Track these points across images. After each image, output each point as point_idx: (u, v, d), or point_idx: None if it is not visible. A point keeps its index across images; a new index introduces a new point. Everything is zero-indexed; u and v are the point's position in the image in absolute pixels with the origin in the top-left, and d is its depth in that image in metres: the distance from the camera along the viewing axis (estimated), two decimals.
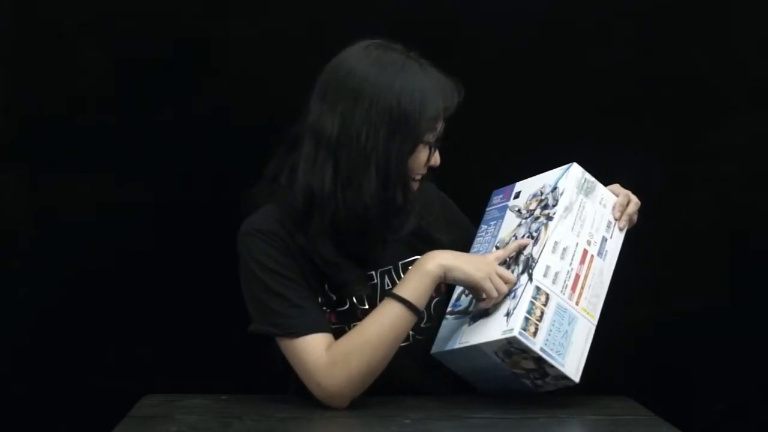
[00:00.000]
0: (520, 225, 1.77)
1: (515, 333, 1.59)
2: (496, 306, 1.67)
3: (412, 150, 1.67)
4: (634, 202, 1.82)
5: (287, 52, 2.28)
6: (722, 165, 2.37)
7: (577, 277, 1.70)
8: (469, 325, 1.69)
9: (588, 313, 1.70)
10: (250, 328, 1.70)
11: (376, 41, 1.71)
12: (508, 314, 1.64)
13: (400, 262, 1.78)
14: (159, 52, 2.30)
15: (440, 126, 1.70)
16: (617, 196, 1.82)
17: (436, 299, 1.78)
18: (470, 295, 1.71)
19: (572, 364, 1.64)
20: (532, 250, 1.70)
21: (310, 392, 1.67)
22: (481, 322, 1.67)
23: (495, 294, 1.66)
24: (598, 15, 2.32)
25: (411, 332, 1.74)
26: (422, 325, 1.76)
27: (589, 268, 1.73)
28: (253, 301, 1.69)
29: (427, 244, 1.76)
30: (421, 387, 1.77)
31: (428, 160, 1.70)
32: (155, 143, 2.31)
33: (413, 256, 1.78)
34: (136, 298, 2.34)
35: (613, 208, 1.81)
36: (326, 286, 1.72)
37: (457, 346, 1.67)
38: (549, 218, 1.73)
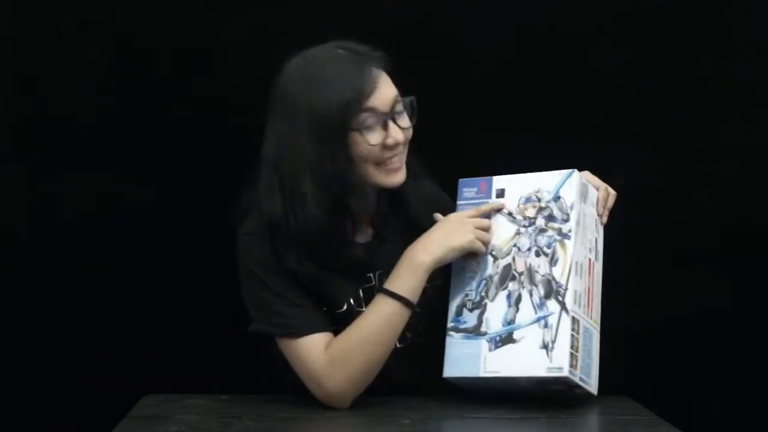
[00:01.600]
0: (519, 233, 1.68)
1: (565, 373, 1.58)
2: (521, 330, 1.62)
3: (341, 144, 1.62)
4: (613, 194, 1.78)
5: (287, 52, 2.27)
6: (722, 165, 2.37)
7: (588, 290, 1.67)
8: (491, 350, 1.63)
9: (596, 322, 1.69)
10: (250, 328, 1.70)
11: (329, 45, 1.68)
12: (546, 347, 1.60)
13: None
14: (159, 52, 2.30)
15: (377, 105, 1.63)
16: (596, 188, 1.76)
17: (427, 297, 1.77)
18: (475, 311, 1.66)
19: (595, 379, 1.66)
20: (551, 270, 1.63)
21: (308, 391, 1.67)
22: (509, 349, 1.62)
23: (484, 249, 1.67)
24: (598, 15, 2.32)
25: (408, 333, 1.75)
26: (420, 328, 1.76)
27: (593, 276, 1.70)
28: (252, 301, 1.69)
29: None
30: (418, 389, 1.77)
31: (385, 139, 1.65)
32: (155, 143, 2.31)
33: None
34: (136, 298, 2.34)
35: (596, 203, 1.75)
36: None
37: (483, 375, 1.63)
38: (564, 236, 1.64)
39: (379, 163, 1.67)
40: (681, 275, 2.40)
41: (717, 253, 2.39)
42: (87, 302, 2.34)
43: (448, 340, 1.68)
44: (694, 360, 2.39)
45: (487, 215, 1.70)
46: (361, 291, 1.73)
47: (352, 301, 1.73)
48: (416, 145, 1.74)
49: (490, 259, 1.69)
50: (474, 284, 1.69)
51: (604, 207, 1.76)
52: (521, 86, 2.33)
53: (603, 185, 1.77)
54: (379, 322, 1.64)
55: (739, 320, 2.39)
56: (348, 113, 1.62)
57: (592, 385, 1.65)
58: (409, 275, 1.65)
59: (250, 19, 2.30)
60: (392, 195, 1.75)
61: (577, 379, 1.60)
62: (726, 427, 2.41)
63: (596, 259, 1.71)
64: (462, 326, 1.68)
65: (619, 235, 2.32)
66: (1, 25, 2.30)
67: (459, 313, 1.69)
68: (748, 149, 2.37)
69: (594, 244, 1.71)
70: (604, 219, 1.76)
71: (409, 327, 1.73)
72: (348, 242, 1.71)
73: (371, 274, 1.75)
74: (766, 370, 2.40)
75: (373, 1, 2.27)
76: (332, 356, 1.64)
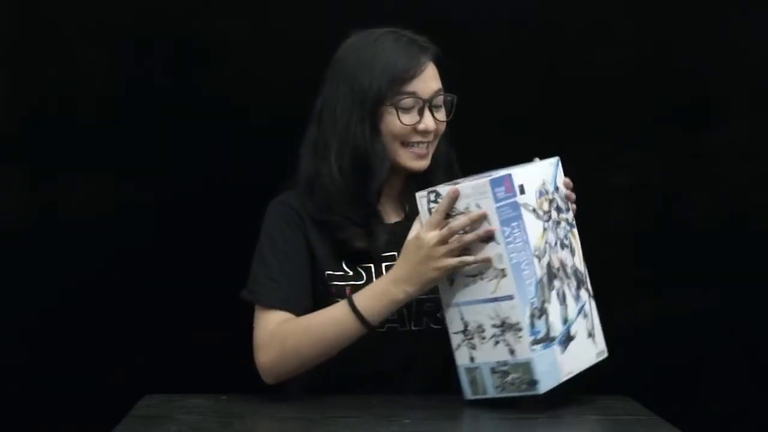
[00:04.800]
0: (545, 229, 1.62)
1: (606, 353, 1.69)
2: (574, 325, 1.63)
3: (372, 115, 1.71)
4: None
5: (287, 52, 2.28)
6: (722, 165, 2.37)
7: None
8: (562, 353, 1.61)
9: None
10: (241, 294, 1.75)
11: (390, 29, 1.78)
12: (591, 335, 1.66)
13: None
14: (159, 52, 2.30)
15: (418, 90, 1.72)
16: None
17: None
18: (542, 317, 1.59)
19: None
20: (574, 261, 1.66)
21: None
22: (572, 347, 1.63)
23: (469, 262, 1.59)
24: (599, 14, 2.32)
25: (425, 319, 1.75)
26: (438, 315, 1.73)
27: None
28: (253, 264, 1.75)
29: None
30: (430, 375, 1.77)
31: (417, 124, 1.73)
32: (155, 143, 2.31)
33: None
34: (136, 298, 2.34)
35: None
36: (344, 263, 1.74)
37: (564, 378, 1.61)
38: (572, 225, 1.68)
39: (407, 145, 1.74)
40: (681, 275, 2.40)
41: (717, 252, 2.39)
42: (87, 302, 2.34)
43: (533, 354, 1.58)
44: (694, 360, 2.39)
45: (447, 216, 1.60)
46: (384, 269, 1.74)
47: (373, 274, 1.74)
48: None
49: (536, 260, 1.60)
50: (533, 290, 1.60)
51: None
52: (521, 85, 2.33)
53: None
54: (330, 326, 1.67)
55: (739, 320, 2.39)
56: (387, 89, 1.71)
57: None
58: (380, 301, 1.65)
59: (250, 19, 2.30)
60: (421, 183, 1.76)
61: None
62: (726, 427, 2.41)
63: None
64: (539, 337, 1.60)
65: (620, 235, 2.33)
66: (1, 25, 2.30)
67: (532, 324, 1.58)
68: (748, 149, 2.37)
69: None
70: None
71: (428, 313, 1.75)
72: (370, 207, 1.75)
73: (395, 253, 1.74)
74: (766, 370, 2.40)
75: (374, 1, 2.27)
76: (274, 333, 1.69)
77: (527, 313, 1.58)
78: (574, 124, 2.34)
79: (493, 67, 2.31)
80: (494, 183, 1.58)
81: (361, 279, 1.74)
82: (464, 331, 1.63)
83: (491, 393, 1.63)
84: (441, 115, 1.77)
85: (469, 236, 1.58)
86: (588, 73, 2.33)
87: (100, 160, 2.32)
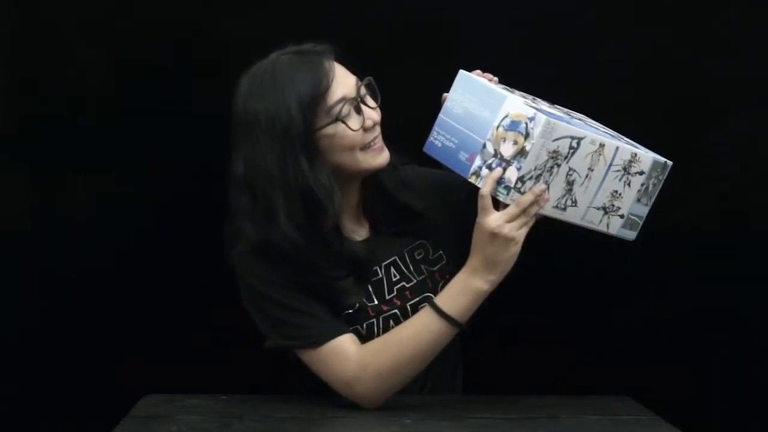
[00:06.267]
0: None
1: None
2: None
3: (304, 150, 1.62)
4: None
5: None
6: (722, 165, 2.37)
7: None
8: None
9: None
10: (267, 344, 1.67)
11: (275, 54, 1.70)
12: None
13: (405, 250, 1.77)
14: (159, 52, 2.30)
15: (345, 93, 1.64)
16: None
17: None
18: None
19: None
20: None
21: (325, 393, 1.68)
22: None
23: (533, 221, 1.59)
24: (599, 14, 2.32)
25: None
26: None
27: None
28: (264, 318, 1.68)
29: (426, 227, 1.77)
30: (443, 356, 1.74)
31: (364, 123, 1.66)
32: (155, 143, 2.31)
33: (417, 241, 1.77)
34: (136, 298, 2.34)
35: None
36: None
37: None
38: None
39: (364, 148, 1.67)
40: (681, 275, 2.40)
41: (717, 252, 2.39)
42: (87, 302, 2.34)
43: (649, 151, 1.73)
44: (695, 360, 2.39)
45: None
46: (370, 286, 1.73)
47: (363, 298, 1.72)
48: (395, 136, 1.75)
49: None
50: (613, 134, 1.77)
51: None
52: (520, 84, 2.32)
53: None
54: (422, 338, 1.63)
55: (739, 320, 2.39)
56: (311, 113, 1.62)
57: None
58: (464, 297, 1.62)
59: (250, 19, 2.30)
60: (375, 187, 1.75)
61: None
62: (726, 427, 2.41)
63: None
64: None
65: None
66: (1, 25, 2.31)
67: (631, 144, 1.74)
68: (748, 149, 2.37)
69: None
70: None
71: None
72: (339, 245, 1.69)
73: (377, 268, 1.75)
74: (766, 370, 2.40)
75: (374, 2, 2.27)
76: (362, 362, 1.63)
77: (628, 142, 1.71)
78: None
79: (492, 65, 2.30)
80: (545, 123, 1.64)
81: (353, 307, 1.72)
82: (605, 211, 1.66)
83: (645, 212, 1.70)
84: (372, 101, 1.69)
85: (522, 216, 1.58)
86: (587, 72, 2.33)
87: (100, 160, 2.32)
